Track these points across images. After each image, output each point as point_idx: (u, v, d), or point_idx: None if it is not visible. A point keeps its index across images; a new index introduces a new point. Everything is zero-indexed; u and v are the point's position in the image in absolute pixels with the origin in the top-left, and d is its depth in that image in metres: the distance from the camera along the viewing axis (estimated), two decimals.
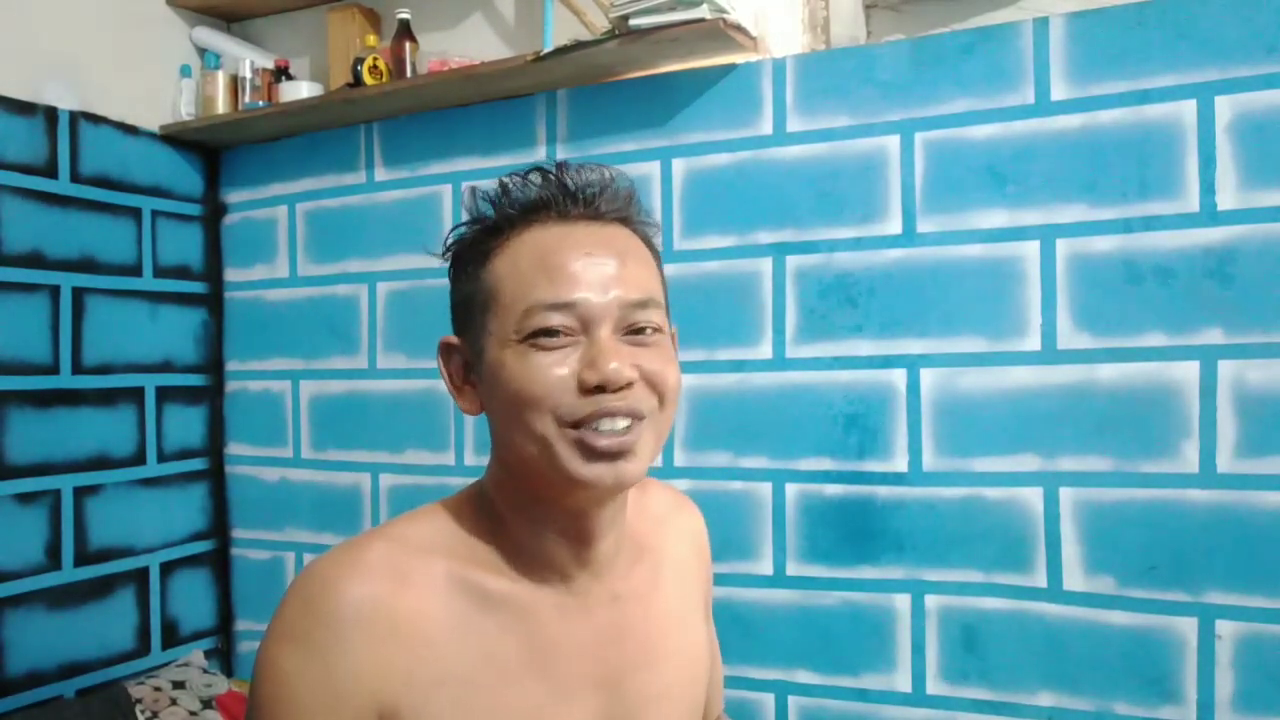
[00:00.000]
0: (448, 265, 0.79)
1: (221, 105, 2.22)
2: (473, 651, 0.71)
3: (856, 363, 1.70)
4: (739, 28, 1.70)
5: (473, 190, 0.78)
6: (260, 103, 2.19)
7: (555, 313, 0.70)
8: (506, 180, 0.76)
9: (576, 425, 0.69)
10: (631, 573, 0.82)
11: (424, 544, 0.74)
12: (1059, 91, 1.57)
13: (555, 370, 0.69)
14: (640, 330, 0.72)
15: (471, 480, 0.83)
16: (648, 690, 0.80)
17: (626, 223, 0.77)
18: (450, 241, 0.79)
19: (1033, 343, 1.59)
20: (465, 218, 0.78)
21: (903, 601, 1.67)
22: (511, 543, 0.76)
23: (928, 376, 1.65)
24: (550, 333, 0.70)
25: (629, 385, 0.70)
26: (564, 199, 0.74)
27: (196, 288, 2.31)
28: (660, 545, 0.87)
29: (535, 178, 0.75)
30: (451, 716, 0.69)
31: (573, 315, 0.70)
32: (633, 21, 1.70)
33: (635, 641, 0.80)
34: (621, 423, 0.70)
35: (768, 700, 1.76)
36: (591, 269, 0.71)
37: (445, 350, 0.78)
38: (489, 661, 0.72)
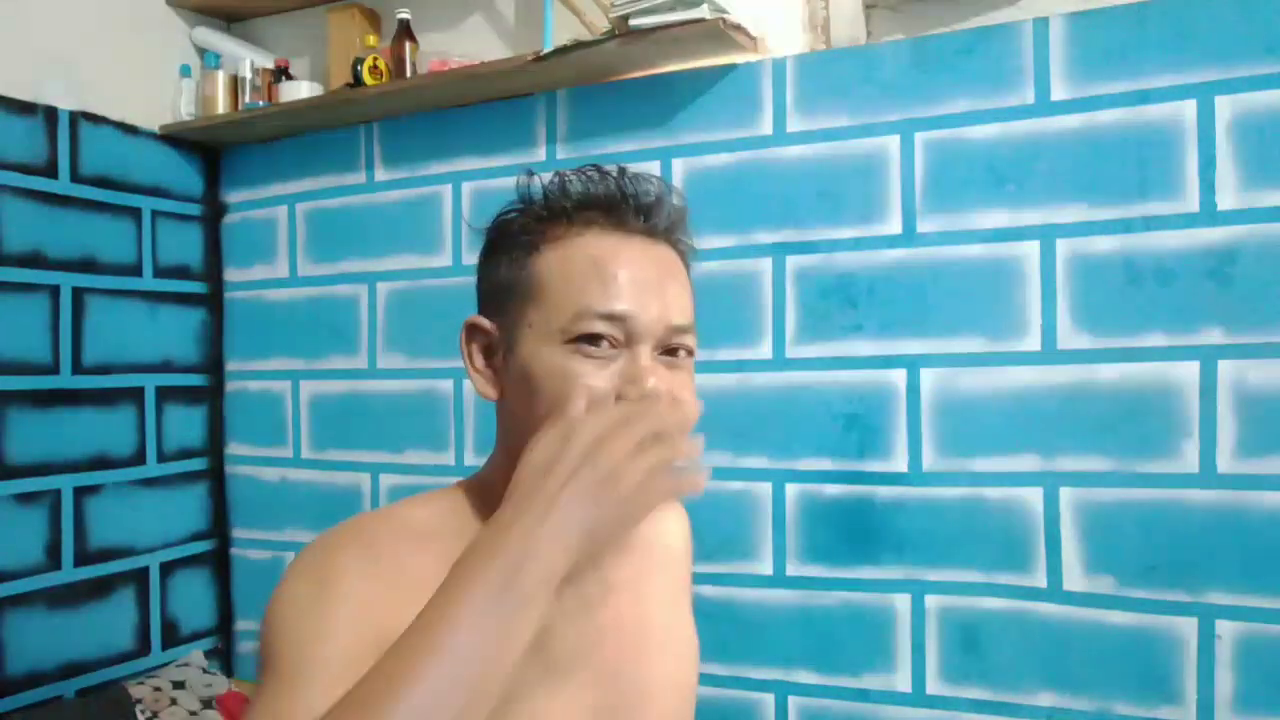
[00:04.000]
0: (486, 244, 0.79)
1: (221, 105, 2.22)
2: None
3: (856, 363, 1.70)
4: (739, 28, 1.70)
5: (530, 173, 0.78)
6: (260, 103, 2.19)
7: (604, 322, 0.70)
8: (567, 174, 0.76)
9: None
10: (623, 562, 0.83)
11: (425, 528, 0.75)
12: (1059, 91, 1.57)
13: (594, 380, 0.70)
14: (675, 352, 0.74)
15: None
16: (641, 675, 0.81)
17: (673, 243, 0.78)
18: (497, 221, 0.79)
19: (1033, 343, 1.59)
20: (515, 201, 0.78)
21: (903, 601, 1.67)
22: None
23: (928, 376, 1.65)
24: (595, 340, 0.70)
25: None
26: (625, 207, 0.75)
27: (196, 288, 2.31)
28: (649, 536, 0.88)
29: (593, 174, 0.76)
30: None
31: (620, 327, 0.71)
32: (633, 21, 1.70)
33: (628, 628, 0.81)
34: None
35: (768, 700, 1.76)
36: (643, 285, 0.72)
37: (470, 330, 0.78)
38: None
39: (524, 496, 0.62)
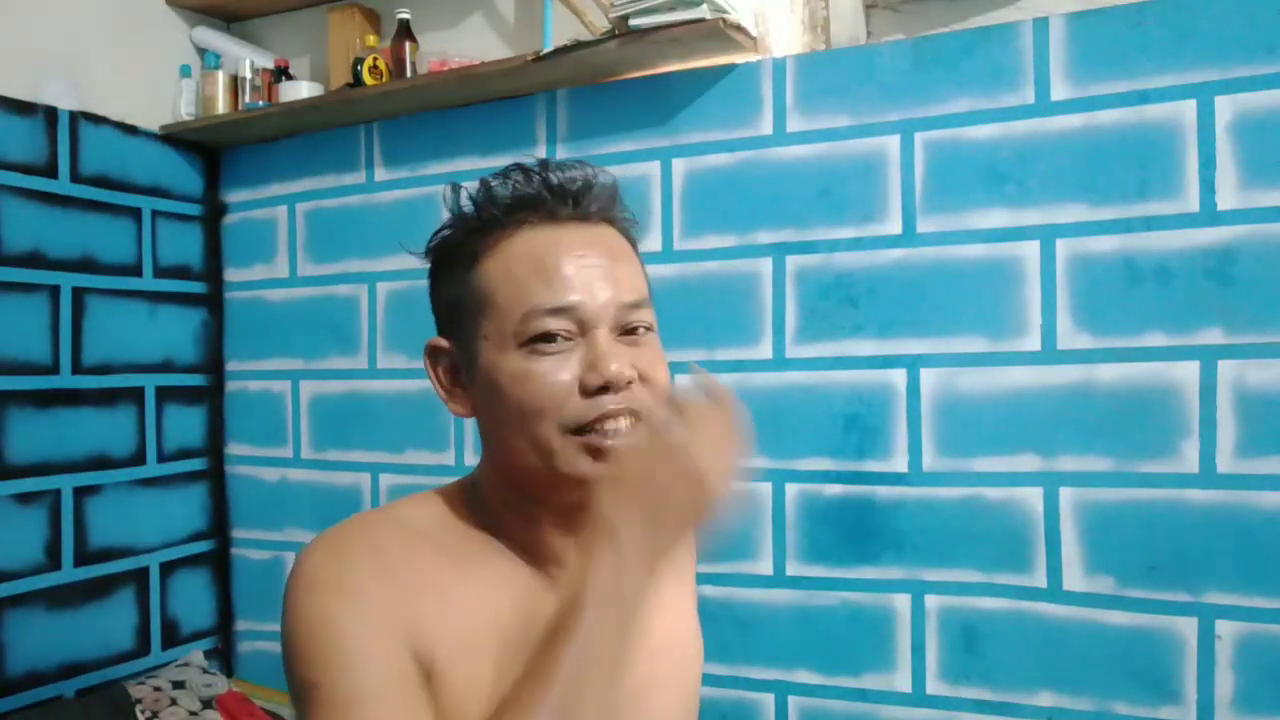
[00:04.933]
0: (431, 267, 0.80)
1: (221, 105, 2.22)
2: (480, 628, 0.72)
3: (856, 363, 1.70)
4: (739, 28, 1.70)
5: (454, 188, 0.77)
6: (260, 103, 2.19)
7: (553, 317, 0.70)
8: (489, 180, 0.76)
9: (580, 430, 0.70)
10: None
11: (422, 527, 0.75)
12: (1059, 91, 1.57)
13: (556, 375, 0.70)
14: (634, 330, 0.73)
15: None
16: (643, 674, 0.80)
17: (611, 222, 0.78)
18: (434, 243, 0.79)
19: (1032, 343, 1.59)
20: (447, 218, 0.78)
21: (903, 601, 1.67)
22: (505, 535, 0.77)
23: (928, 376, 1.65)
24: (549, 337, 0.70)
25: (629, 385, 0.71)
26: (552, 199, 0.74)
27: (196, 288, 2.31)
28: None
29: (518, 176, 0.75)
30: (465, 686, 0.70)
31: (571, 319, 0.70)
32: (633, 21, 1.70)
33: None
34: (624, 423, 0.71)
35: (768, 700, 1.76)
36: (586, 271, 0.72)
37: (433, 353, 0.78)
38: (496, 639, 0.72)
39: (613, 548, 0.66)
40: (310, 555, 0.71)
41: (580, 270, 0.71)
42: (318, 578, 0.69)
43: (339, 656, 0.65)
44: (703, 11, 1.64)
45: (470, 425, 2.04)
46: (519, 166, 0.76)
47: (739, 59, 1.80)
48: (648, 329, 0.75)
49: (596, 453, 0.70)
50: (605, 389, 0.70)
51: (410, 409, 2.11)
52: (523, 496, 0.76)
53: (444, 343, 0.77)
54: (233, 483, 2.34)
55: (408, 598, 0.69)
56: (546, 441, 0.70)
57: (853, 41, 1.81)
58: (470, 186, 0.77)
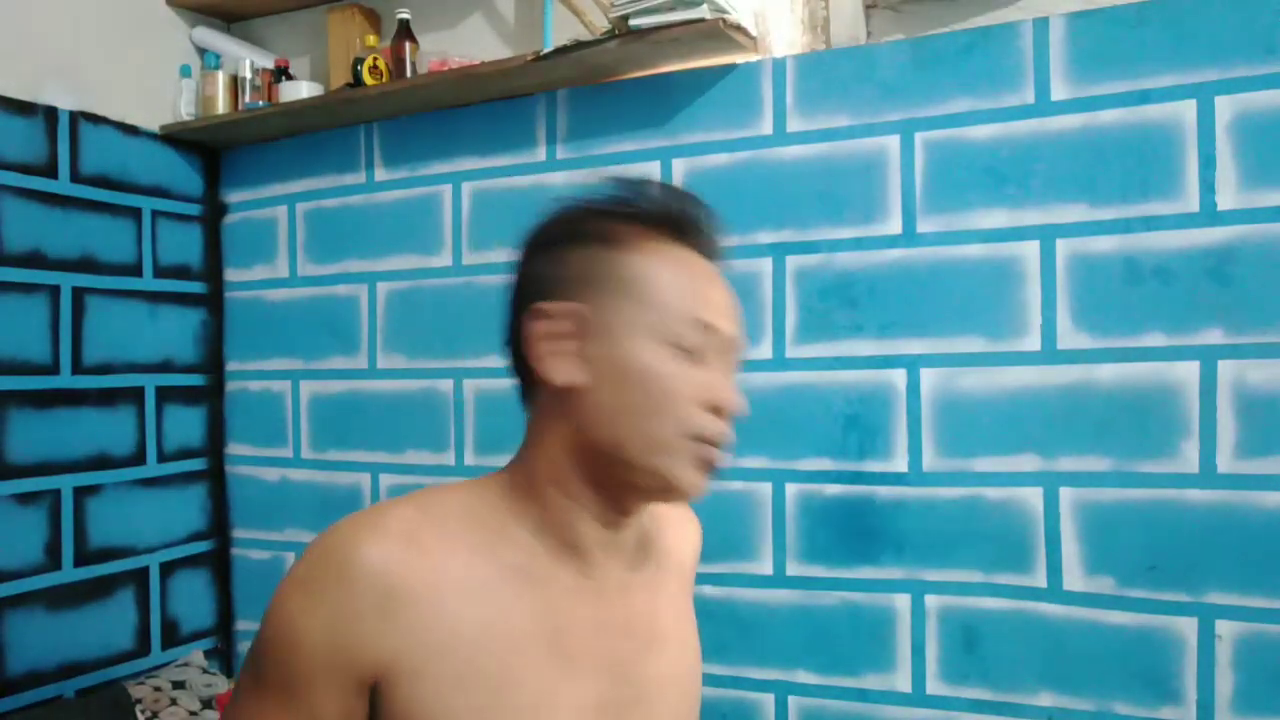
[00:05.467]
0: (556, 231, 0.79)
1: (221, 105, 2.21)
2: (484, 616, 0.72)
3: (856, 363, 1.70)
4: (739, 28, 1.70)
5: (618, 177, 0.81)
6: (260, 103, 2.19)
7: (711, 334, 0.76)
8: (657, 184, 0.81)
9: (697, 439, 0.75)
10: (641, 564, 0.85)
11: (447, 512, 0.76)
12: (1059, 91, 1.57)
13: (693, 383, 0.74)
14: (733, 367, 0.80)
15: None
16: (652, 676, 0.81)
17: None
18: (580, 209, 0.80)
19: (1033, 343, 1.59)
20: (599, 198, 0.80)
21: (903, 601, 1.67)
22: (535, 520, 0.77)
23: (928, 376, 1.65)
24: (698, 350, 0.75)
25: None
26: (706, 232, 0.80)
27: (196, 288, 2.31)
28: (666, 544, 0.90)
29: (682, 193, 0.81)
30: (456, 680, 0.70)
31: (719, 342, 0.76)
32: (633, 21, 1.70)
33: (642, 628, 0.82)
34: (727, 444, 0.77)
35: (768, 700, 1.76)
36: (730, 306, 0.79)
37: (539, 315, 0.76)
38: (499, 627, 0.72)
39: None
40: (311, 550, 0.72)
41: (728, 305, 0.78)
42: (303, 577, 0.71)
43: (277, 645, 0.70)
44: (703, 11, 1.64)
45: (470, 425, 2.04)
46: (680, 190, 0.82)
47: (739, 59, 1.80)
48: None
49: (705, 464, 0.75)
50: (726, 412, 0.76)
51: (410, 409, 2.11)
52: (582, 475, 0.76)
53: (574, 306, 0.75)
54: (233, 483, 2.34)
55: (386, 608, 0.69)
56: (666, 439, 0.73)
57: (853, 41, 1.81)
58: (623, 178, 0.80)
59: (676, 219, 0.78)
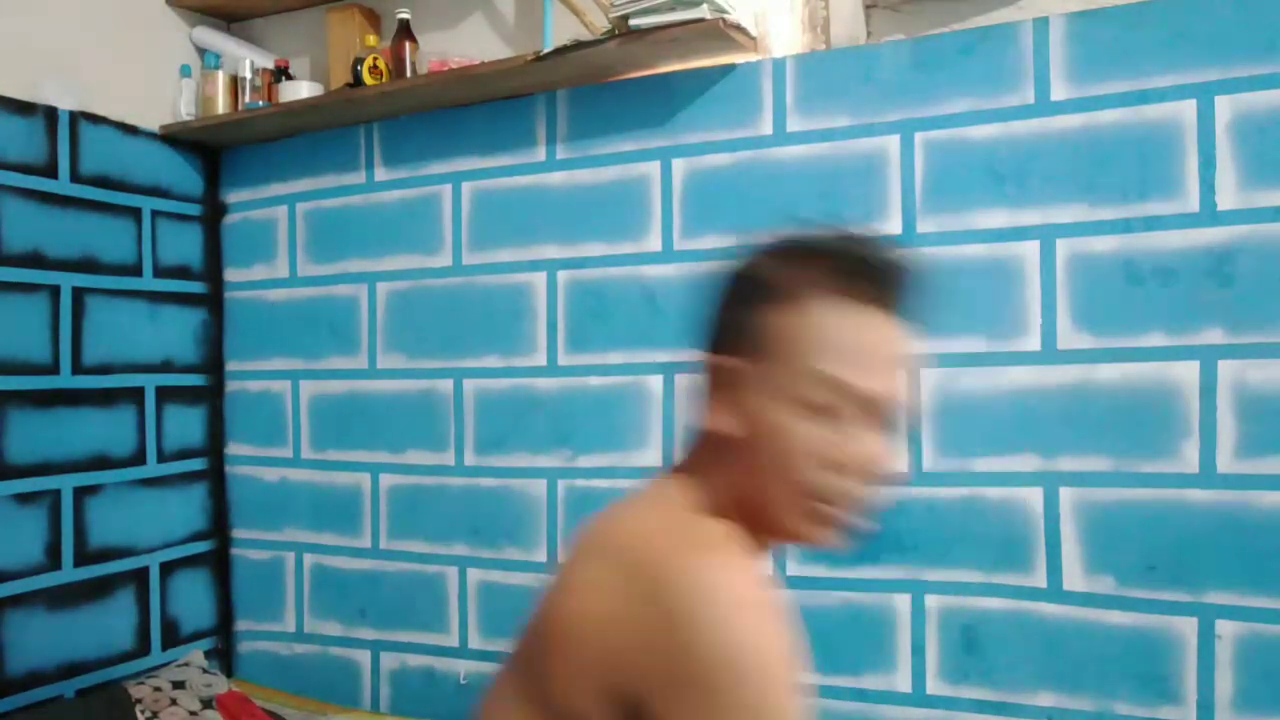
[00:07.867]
0: (759, 285, 0.79)
1: (221, 105, 2.22)
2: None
3: None
4: (739, 28, 1.70)
5: (817, 225, 0.80)
6: (260, 103, 2.19)
7: (845, 392, 0.74)
8: (851, 236, 0.82)
9: (813, 497, 0.75)
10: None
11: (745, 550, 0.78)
12: (1059, 91, 1.57)
13: (818, 442, 0.74)
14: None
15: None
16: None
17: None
18: (765, 253, 0.81)
19: (1033, 343, 1.59)
20: (801, 250, 0.80)
21: (903, 601, 1.67)
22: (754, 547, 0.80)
23: (927, 376, 1.65)
24: (830, 409, 0.74)
25: None
26: (892, 288, 0.81)
27: (196, 288, 2.31)
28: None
29: (891, 254, 0.81)
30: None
31: (858, 399, 0.74)
32: (633, 21, 1.70)
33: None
34: (852, 502, 0.77)
35: None
36: (899, 370, 0.79)
37: (710, 365, 0.80)
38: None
39: None
40: (714, 580, 0.71)
41: (885, 359, 0.77)
42: (741, 598, 0.72)
43: (769, 664, 0.74)
44: (703, 11, 1.64)
45: (469, 425, 2.03)
46: (871, 241, 0.82)
47: (739, 59, 1.80)
48: None
49: (824, 520, 0.76)
50: (846, 470, 0.75)
51: (410, 409, 2.10)
52: (743, 519, 0.79)
53: (740, 362, 0.77)
54: (233, 483, 2.34)
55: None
56: (784, 497, 0.76)
57: (853, 41, 1.81)
58: (833, 227, 0.81)
59: (849, 273, 0.78)
